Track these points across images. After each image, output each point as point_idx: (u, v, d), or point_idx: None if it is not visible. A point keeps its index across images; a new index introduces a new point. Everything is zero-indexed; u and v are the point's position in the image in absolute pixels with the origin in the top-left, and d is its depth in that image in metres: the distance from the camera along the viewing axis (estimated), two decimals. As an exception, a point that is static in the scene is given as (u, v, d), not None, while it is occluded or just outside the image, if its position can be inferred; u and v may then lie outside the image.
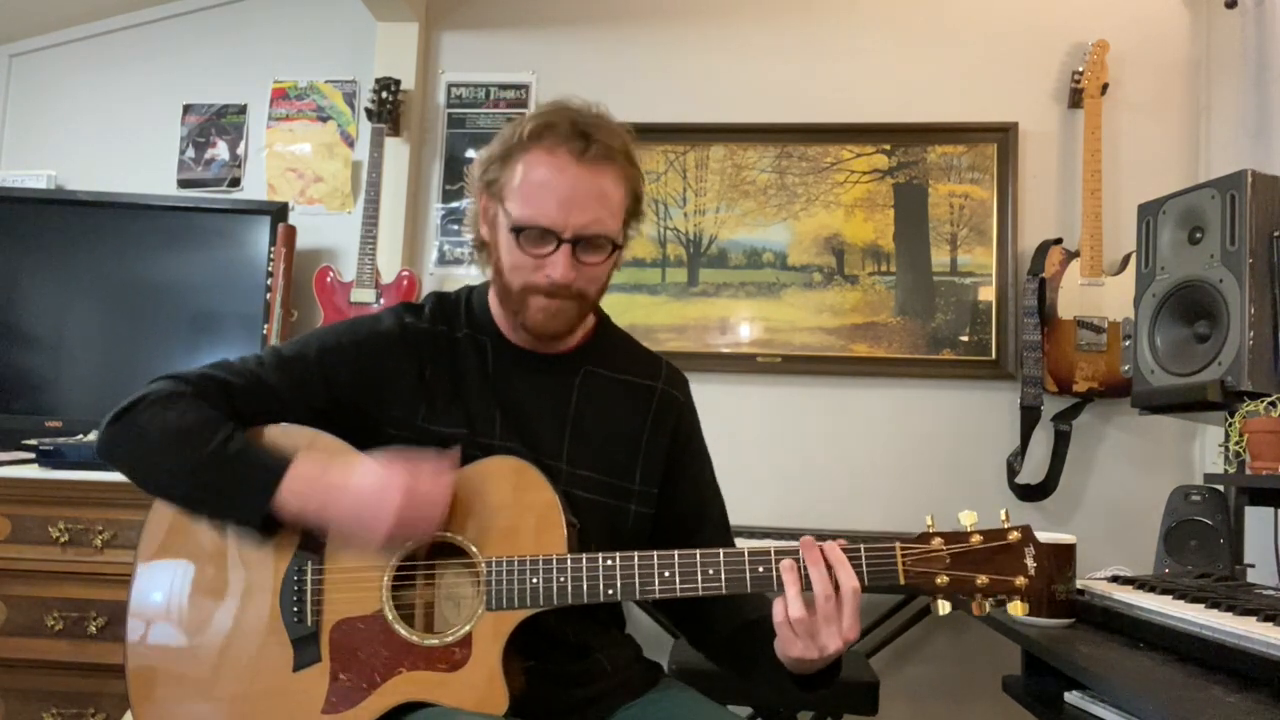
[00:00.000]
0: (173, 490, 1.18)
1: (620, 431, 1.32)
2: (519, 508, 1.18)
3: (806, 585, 1.10)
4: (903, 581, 1.13)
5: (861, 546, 1.13)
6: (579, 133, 1.18)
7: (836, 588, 1.09)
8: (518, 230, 1.19)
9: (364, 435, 1.23)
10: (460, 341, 1.30)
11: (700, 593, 1.13)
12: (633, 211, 1.26)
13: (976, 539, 1.14)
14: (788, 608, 1.09)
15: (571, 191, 1.18)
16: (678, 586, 1.14)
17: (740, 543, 2.39)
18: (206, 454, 1.13)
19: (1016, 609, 1.12)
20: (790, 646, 1.11)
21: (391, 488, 1.10)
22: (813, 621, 1.09)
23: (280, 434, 1.22)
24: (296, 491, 1.12)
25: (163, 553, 1.22)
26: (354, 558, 1.18)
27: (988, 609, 1.14)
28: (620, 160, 1.22)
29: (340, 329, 1.30)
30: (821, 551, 1.11)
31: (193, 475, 1.15)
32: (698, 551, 1.15)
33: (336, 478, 1.13)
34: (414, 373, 1.26)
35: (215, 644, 1.18)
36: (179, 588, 1.21)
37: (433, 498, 1.12)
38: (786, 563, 1.11)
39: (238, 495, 1.14)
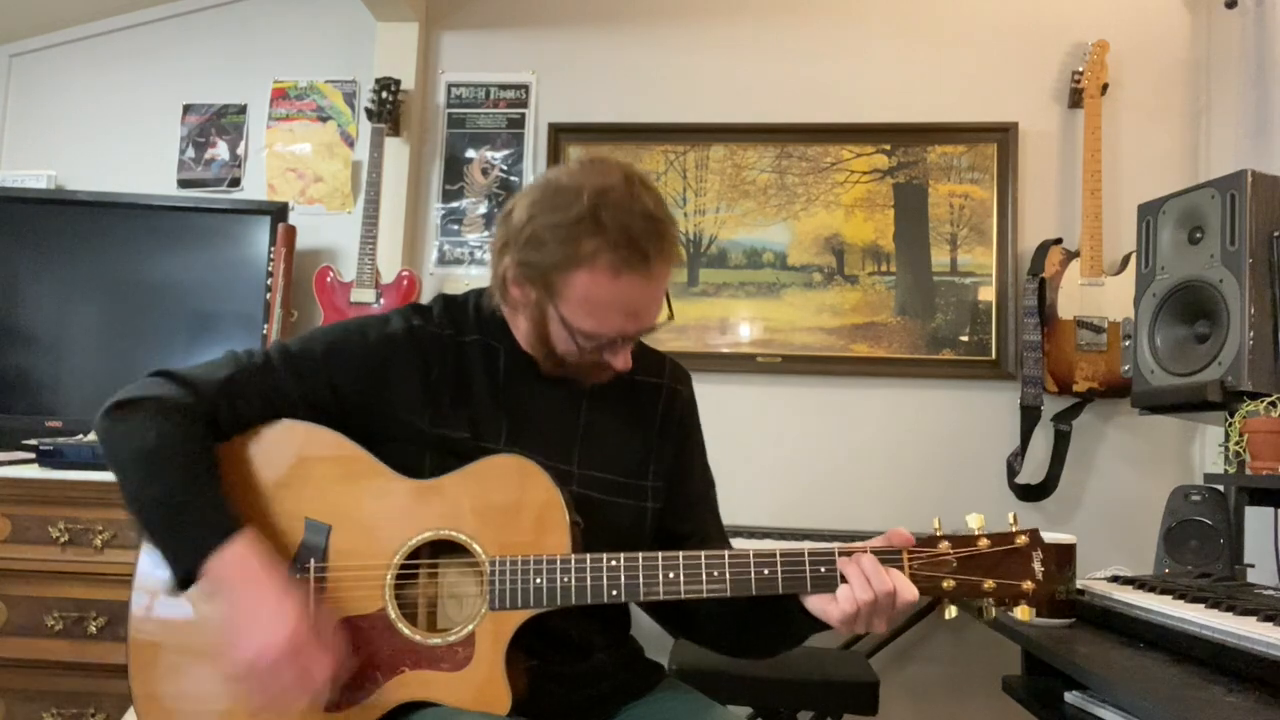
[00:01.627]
0: (128, 504, 1.17)
1: (631, 434, 1.32)
2: (523, 506, 1.17)
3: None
4: None
5: (868, 549, 1.13)
6: (640, 252, 1.15)
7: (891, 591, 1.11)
8: (583, 346, 1.21)
9: (368, 435, 1.23)
10: (469, 346, 1.29)
11: (704, 595, 1.14)
12: None
13: (984, 543, 1.13)
14: (855, 595, 1.11)
15: (637, 306, 1.20)
16: (682, 588, 1.14)
17: (740, 543, 2.40)
18: (164, 491, 1.12)
19: (1023, 613, 1.12)
20: (844, 621, 1.12)
21: (282, 633, 1.07)
22: (872, 607, 1.11)
23: (282, 434, 1.22)
24: (221, 567, 1.10)
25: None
26: (354, 558, 1.18)
27: (994, 614, 1.14)
28: (671, 255, 1.20)
29: (349, 328, 1.29)
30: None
31: (146, 504, 1.14)
32: (702, 554, 1.15)
33: (258, 584, 1.10)
34: (420, 375, 1.26)
35: (217, 642, 1.18)
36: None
37: (304, 676, 1.08)
38: (851, 567, 1.12)
39: (175, 543, 1.13)
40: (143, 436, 1.15)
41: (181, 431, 1.15)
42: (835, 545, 1.15)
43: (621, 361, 1.23)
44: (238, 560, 1.11)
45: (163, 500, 1.13)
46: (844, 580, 1.12)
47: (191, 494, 1.13)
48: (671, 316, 1.26)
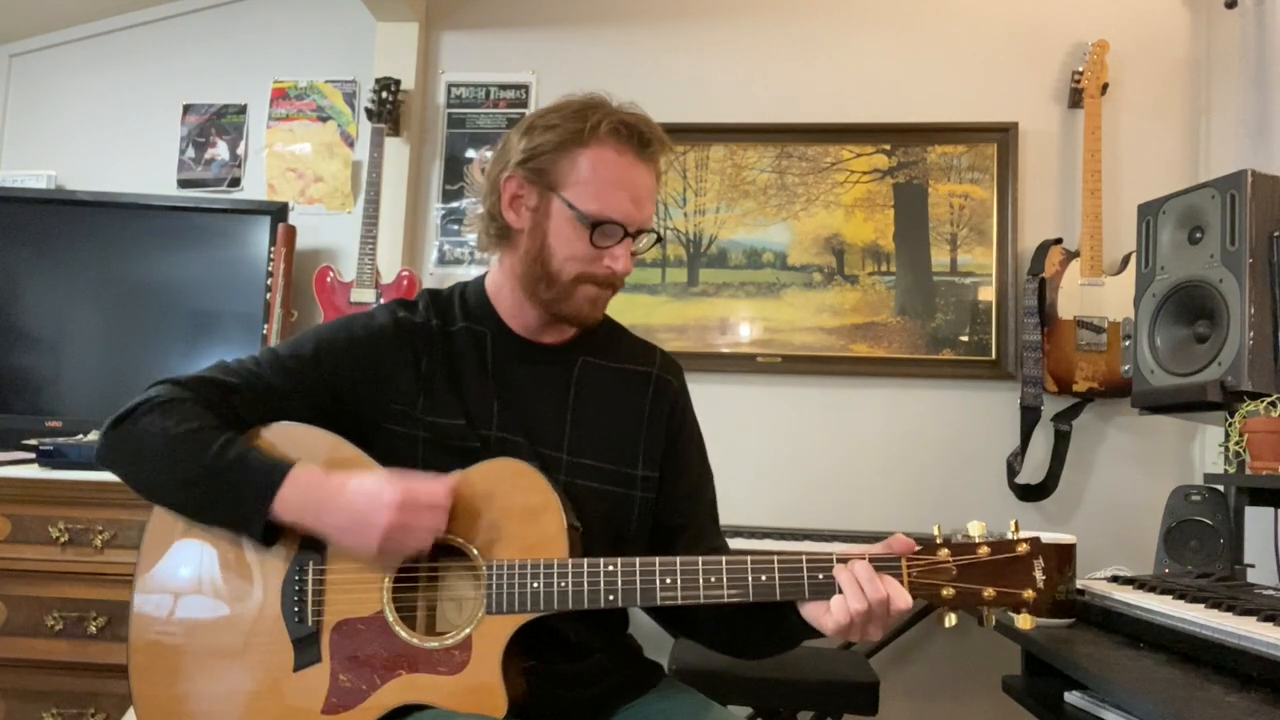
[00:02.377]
0: (172, 498, 1.19)
1: (620, 420, 1.32)
2: (520, 510, 1.17)
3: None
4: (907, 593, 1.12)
5: (866, 555, 1.12)
6: (639, 132, 1.24)
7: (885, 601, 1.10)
8: (589, 221, 1.22)
9: (364, 430, 1.24)
10: (456, 335, 1.31)
11: (701, 600, 1.13)
12: None
13: (984, 550, 1.11)
14: (849, 604, 1.09)
15: (638, 190, 1.25)
16: (679, 594, 1.13)
17: (740, 544, 2.40)
18: (204, 463, 1.14)
19: (1024, 622, 1.10)
20: (838, 631, 1.11)
21: (386, 497, 1.10)
22: (866, 616, 1.10)
23: (280, 435, 1.22)
24: (292, 500, 1.13)
25: (166, 551, 1.22)
26: (352, 561, 1.18)
27: (995, 621, 1.13)
28: (662, 157, 1.29)
29: (336, 326, 1.30)
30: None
31: (191, 485, 1.15)
32: (699, 560, 1.14)
33: (332, 487, 1.14)
34: (410, 366, 1.27)
35: (217, 643, 1.18)
36: (182, 586, 1.21)
37: (429, 510, 1.12)
38: (845, 575, 1.11)
39: (236, 505, 1.15)
40: (152, 431, 1.16)
41: (188, 414, 1.17)
42: (834, 551, 1.14)
43: (623, 264, 1.25)
44: (305, 483, 1.14)
45: (198, 477, 1.14)
46: (839, 589, 1.11)
47: (224, 458, 1.14)
48: (661, 235, 1.33)
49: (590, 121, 1.22)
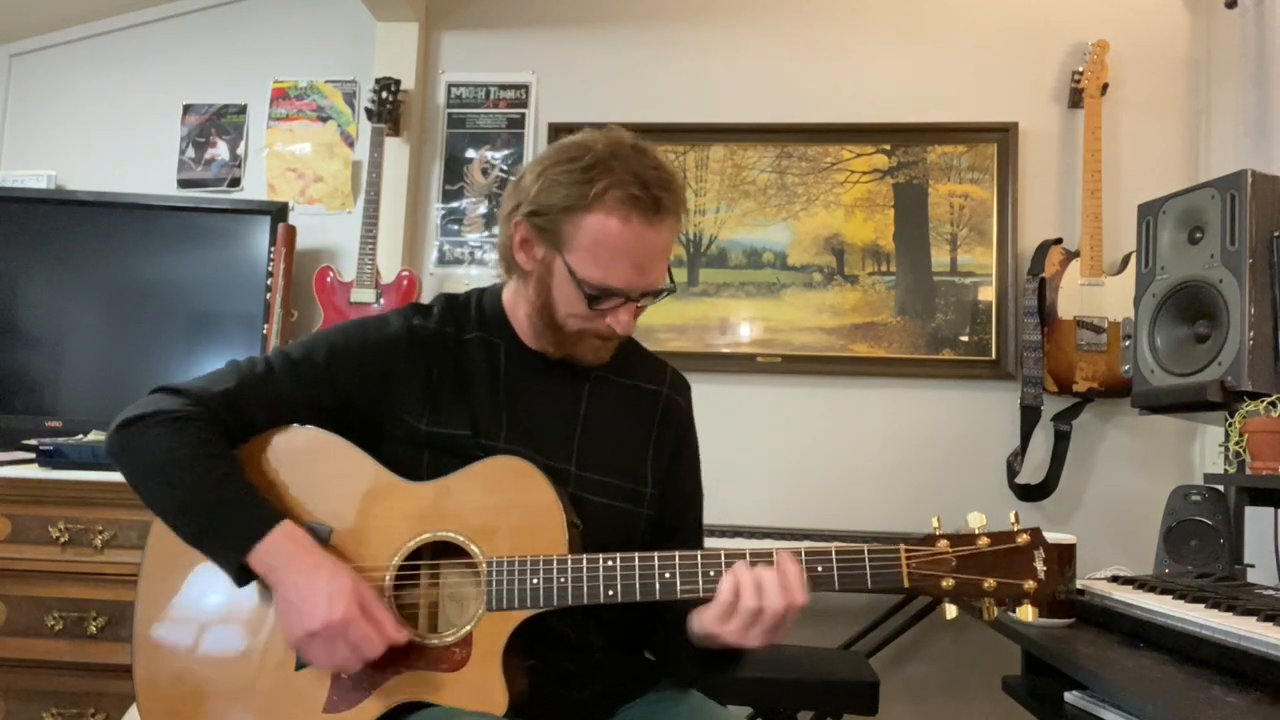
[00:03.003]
0: (164, 517, 1.19)
1: (628, 437, 1.33)
2: (520, 508, 1.18)
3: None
4: (907, 585, 1.12)
5: (865, 549, 1.13)
6: (651, 196, 1.17)
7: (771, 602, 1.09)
8: (590, 295, 1.20)
9: (370, 437, 1.24)
10: (469, 343, 1.30)
11: (700, 594, 1.13)
12: None
13: (984, 541, 1.11)
14: (740, 599, 1.09)
15: (645, 257, 1.20)
16: (678, 588, 1.14)
17: (740, 543, 2.40)
18: (199, 494, 1.14)
19: (1025, 613, 1.10)
20: (714, 624, 1.11)
21: (339, 604, 1.09)
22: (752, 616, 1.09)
23: (289, 442, 1.23)
24: (268, 554, 1.12)
25: (169, 552, 1.21)
26: (354, 560, 1.18)
27: (996, 614, 1.13)
28: (678, 212, 1.22)
29: (348, 331, 1.30)
30: (780, 571, 1.11)
31: (182, 512, 1.16)
32: (698, 554, 1.15)
33: (306, 560, 1.13)
34: (421, 375, 1.26)
35: (218, 642, 1.19)
36: (184, 586, 1.21)
37: (352, 648, 1.10)
38: (740, 563, 1.11)
39: (219, 542, 1.15)
40: (159, 448, 1.16)
41: (195, 437, 1.16)
42: (833, 545, 1.14)
43: (625, 324, 1.23)
44: (284, 544, 1.13)
45: (193, 506, 1.15)
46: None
47: (220, 493, 1.15)
48: (674, 287, 1.27)
49: (596, 188, 1.16)
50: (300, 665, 1.17)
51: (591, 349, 1.27)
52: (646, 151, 1.21)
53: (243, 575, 1.14)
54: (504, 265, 1.29)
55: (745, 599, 1.09)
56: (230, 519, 1.14)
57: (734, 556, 1.14)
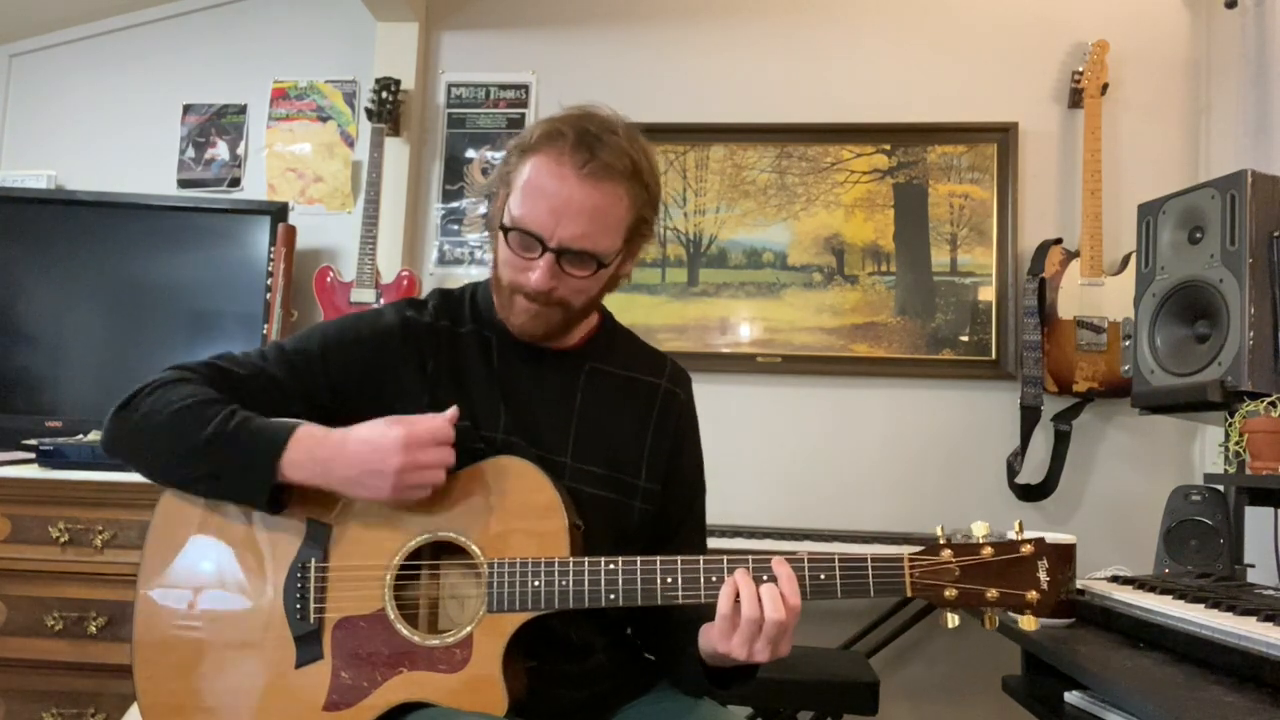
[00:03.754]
0: (178, 473, 1.19)
1: (625, 429, 1.32)
2: (522, 509, 1.17)
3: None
4: (910, 594, 1.11)
5: (869, 557, 1.11)
6: (585, 145, 1.17)
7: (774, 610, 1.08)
8: (507, 229, 1.20)
9: None
10: (464, 336, 1.30)
11: (703, 599, 1.13)
12: (637, 231, 1.25)
13: (988, 551, 1.10)
14: (743, 609, 1.08)
15: (565, 203, 1.17)
16: (680, 593, 1.13)
17: (739, 543, 2.40)
18: (207, 434, 1.14)
19: (1027, 623, 1.09)
20: (721, 642, 1.10)
21: (390, 441, 1.12)
22: (751, 627, 1.08)
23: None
24: (298, 460, 1.13)
25: (169, 550, 1.22)
26: (354, 558, 1.18)
27: (997, 622, 1.13)
28: (624, 179, 1.19)
29: (343, 324, 1.30)
30: (776, 580, 1.10)
31: (196, 456, 1.15)
32: (700, 559, 1.14)
33: (335, 440, 1.14)
34: (416, 367, 1.26)
35: (219, 639, 1.19)
36: (185, 584, 1.21)
37: (434, 446, 1.13)
38: (740, 572, 1.11)
39: (241, 471, 1.15)
40: (162, 407, 1.17)
41: (191, 391, 1.18)
42: (835, 551, 1.14)
43: (536, 278, 1.19)
44: (309, 441, 1.14)
45: (206, 446, 1.14)
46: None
47: (240, 418, 1.15)
48: (604, 262, 1.21)
49: (542, 129, 1.20)
50: (302, 663, 1.17)
51: (523, 309, 1.23)
52: (611, 122, 1.21)
53: (275, 500, 1.15)
54: (490, 232, 1.29)
55: (746, 608, 1.08)
56: (245, 448, 1.14)
57: (736, 561, 1.13)
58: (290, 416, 1.21)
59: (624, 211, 1.21)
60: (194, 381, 1.20)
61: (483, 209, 3.07)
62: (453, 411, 1.17)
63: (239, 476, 1.15)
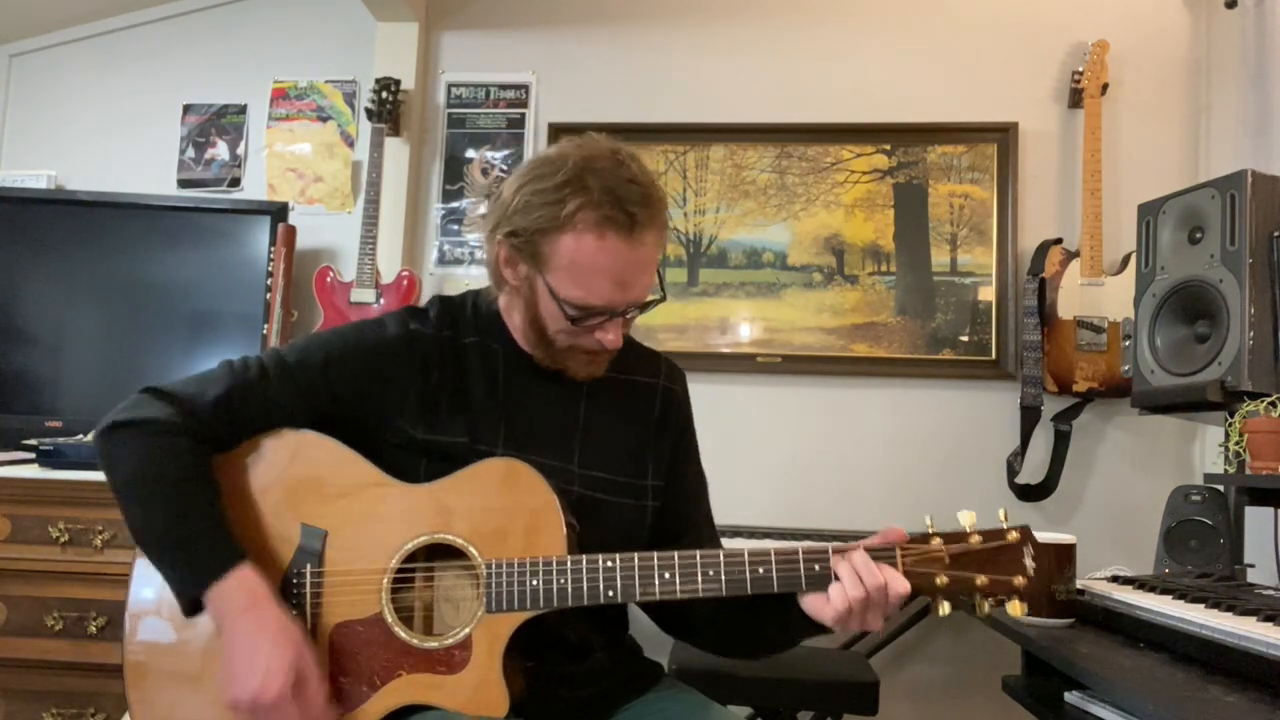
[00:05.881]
0: (131, 530, 1.18)
1: (630, 433, 1.33)
2: (517, 509, 1.17)
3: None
4: None
5: (861, 547, 1.14)
6: (626, 214, 1.15)
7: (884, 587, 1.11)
8: (572, 316, 1.19)
9: (365, 442, 1.23)
10: (467, 348, 1.29)
11: (700, 594, 1.13)
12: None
13: (976, 539, 1.14)
14: (848, 591, 1.10)
15: (625, 274, 1.18)
16: (678, 588, 1.14)
17: (739, 543, 2.40)
18: (165, 520, 1.14)
19: (1015, 609, 1.12)
20: (838, 620, 1.12)
21: (276, 677, 1.08)
22: (865, 603, 1.11)
23: (284, 445, 1.22)
24: (221, 598, 1.12)
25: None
26: (350, 562, 1.18)
27: (987, 609, 1.14)
28: (657, 215, 1.19)
29: (346, 335, 1.29)
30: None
31: (146, 532, 1.16)
32: (697, 553, 1.15)
33: (252, 618, 1.11)
34: (419, 381, 1.25)
35: (215, 645, 1.18)
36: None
37: (309, 707, 1.10)
38: (843, 565, 1.12)
39: (174, 574, 1.15)
40: (134, 461, 1.16)
41: (175, 456, 1.16)
42: (831, 544, 1.15)
43: (613, 338, 1.21)
44: (236, 593, 1.12)
45: (158, 530, 1.15)
46: (836, 578, 1.12)
47: (186, 524, 1.14)
48: (664, 296, 1.26)
49: (568, 208, 1.14)
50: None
51: (582, 364, 1.26)
52: (624, 163, 1.17)
53: (194, 609, 1.14)
54: (493, 279, 1.28)
55: (869, 579, 1.10)
56: (189, 554, 1.13)
57: (734, 555, 1.14)
58: (293, 428, 1.22)
59: (659, 247, 1.23)
60: (183, 435, 1.16)
61: (482, 209, 3.07)
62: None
63: (174, 574, 1.15)
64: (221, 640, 1.13)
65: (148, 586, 1.21)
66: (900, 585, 1.11)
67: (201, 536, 1.14)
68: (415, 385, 1.25)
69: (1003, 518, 1.15)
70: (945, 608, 1.13)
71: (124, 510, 1.17)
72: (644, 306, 1.23)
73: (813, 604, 1.14)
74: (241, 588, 1.12)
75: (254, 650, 1.09)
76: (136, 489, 1.15)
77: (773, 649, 1.29)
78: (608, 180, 1.15)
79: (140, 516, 1.16)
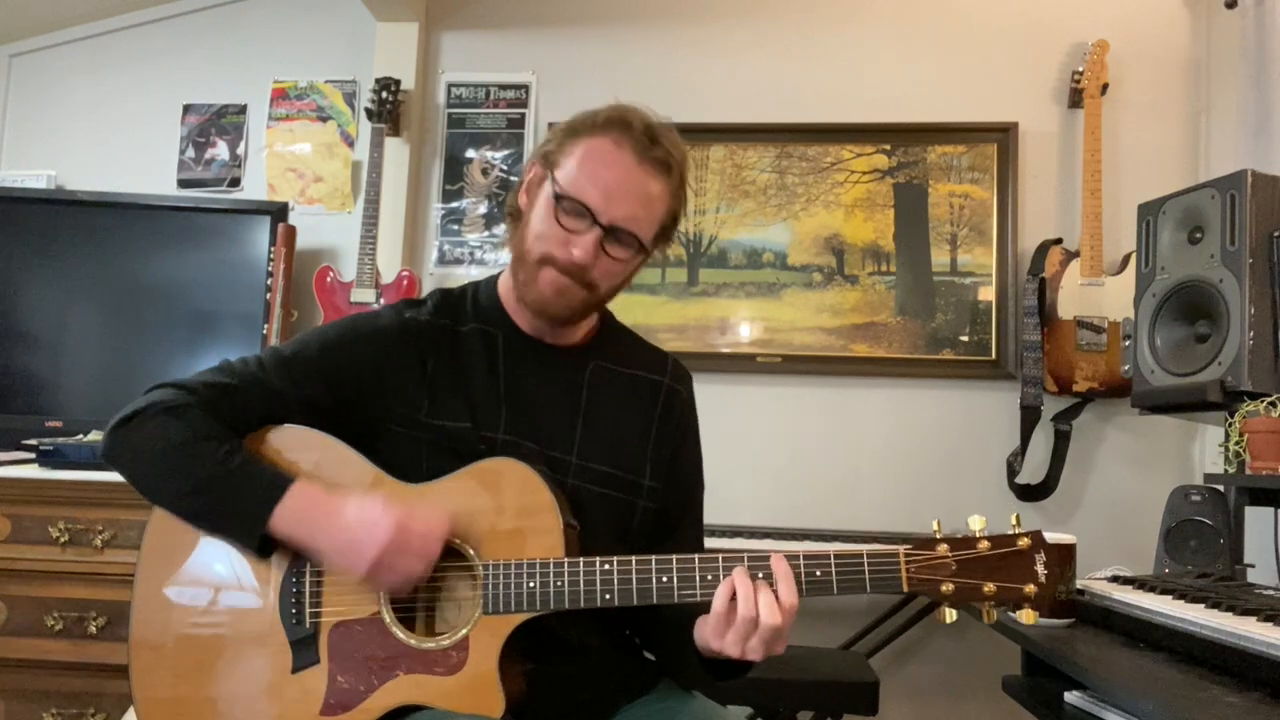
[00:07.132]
0: (173, 505, 1.19)
1: (630, 427, 1.32)
2: (517, 510, 1.17)
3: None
4: (906, 589, 1.11)
5: (864, 553, 1.11)
6: (649, 135, 1.22)
7: (764, 613, 1.08)
8: (560, 198, 1.21)
9: (367, 432, 1.24)
10: (465, 335, 1.30)
11: (699, 598, 1.13)
12: (665, 231, 1.28)
13: (984, 545, 1.10)
14: (739, 608, 1.08)
15: (622, 183, 1.21)
16: (676, 592, 1.13)
17: (740, 543, 2.40)
18: (206, 473, 1.14)
19: (1026, 617, 1.09)
20: (714, 638, 1.10)
21: (381, 525, 1.10)
22: (746, 626, 1.08)
23: (285, 439, 1.22)
24: (290, 516, 1.13)
25: (166, 552, 1.22)
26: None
27: (995, 617, 1.12)
28: (674, 175, 1.24)
29: (340, 326, 1.30)
30: (773, 578, 1.10)
31: (192, 494, 1.16)
32: (696, 557, 1.14)
33: (331, 507, 1.14)
34: (416, 367, 1.26)
35: (215, 644, 1.18)
36: (181, 588, 1.21)
37: (421, 539, 1.12)
38: (738, 571, 1.10)
39: (235, 516, 1.15)
40: (158, 437, 1.16)
41: (194, 423, 1.17)
42: (832, 547, 1.14)
43: (580, 254, 1.20)
44: (301, 501, 1.14)
45: (203, 486, 1.15)
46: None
47: (227, 467, 1.15)
48: (648, 250, 1.27)
49: (602, 116, 1.23)
50: (299, 667, 1.17)
51: (549, 282, 1.22)
52: (666, 124, 1.26)
53: (264, 546, 1.15)
54: (509, 220, 1.31)
55: (742, 608, 1.07)
56: (241, 493, 1.14)
57: (732, 560, 1.13)
58: (293, 424, 1.22)
59: (665, 207, 1.25)
60: (194, 408, 1.18)
61: (482, 209, 3.07)
62: (452, 500, 1.16)
63: (231, 521, 1.16)
64: (315, 550, 1.14)
65: (155, 589, 1.21)
66: (770, 617, 1.06)
67: (245, 475, 1.15)
68: (412, 370, 1.25)
69: (1014, 523, 1.12)
70: (951, 615, 1.10)
71: (156, 488, 1.18)
72: (622, 241, 1.22)
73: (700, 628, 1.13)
74: (303, 496, 1.14)
75: (348, 525, 1.12)
76: (166, 459, 1.16)
77: (677, 671, 1.29)
78: (651, 120, 1.25)
79: (176, 484, 1.16)
